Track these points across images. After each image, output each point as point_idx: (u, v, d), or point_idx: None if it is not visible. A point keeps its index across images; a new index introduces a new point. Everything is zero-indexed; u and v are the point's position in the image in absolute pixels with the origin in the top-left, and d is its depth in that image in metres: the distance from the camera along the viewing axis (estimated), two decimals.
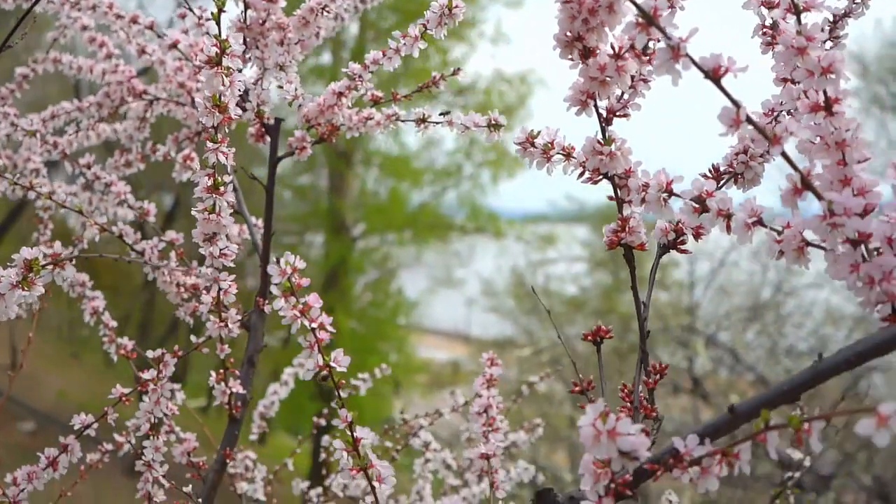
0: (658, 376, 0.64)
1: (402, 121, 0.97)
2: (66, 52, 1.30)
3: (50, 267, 0.66)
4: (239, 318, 0.91)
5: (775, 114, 0.69)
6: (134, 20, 1.09)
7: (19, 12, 1.26)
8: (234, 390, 0.96)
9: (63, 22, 1.25)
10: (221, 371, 0.96)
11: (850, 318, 7.30)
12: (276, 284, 0.61)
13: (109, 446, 1.13)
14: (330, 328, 0.62)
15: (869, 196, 0.53)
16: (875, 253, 0.52)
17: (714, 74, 0.51)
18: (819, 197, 0.51)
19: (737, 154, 0.69)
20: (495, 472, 0.94)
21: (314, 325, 0.62)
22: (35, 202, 1.30)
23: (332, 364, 0.63)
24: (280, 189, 11.82)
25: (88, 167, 1.12)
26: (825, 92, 0.53)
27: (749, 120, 0.50)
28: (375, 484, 0.64)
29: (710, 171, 0.69)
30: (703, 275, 8.29)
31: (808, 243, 0.54)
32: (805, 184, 0.52)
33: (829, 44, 0.73)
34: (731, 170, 0.68)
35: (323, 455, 1.33)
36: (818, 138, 0.55)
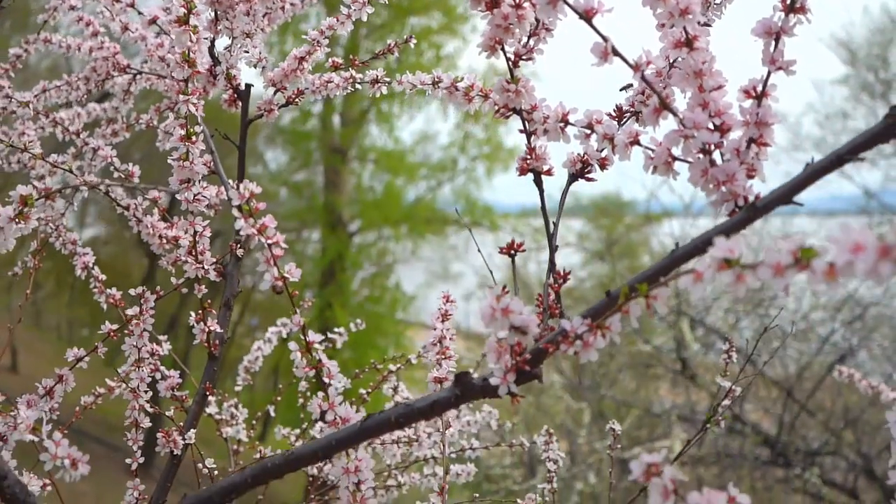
0: (562, 280, 0.74)
1: (359, 83, 1.07)
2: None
3: (42, 200, 0.77)
4: (214, 260, 1.01)
5: (671, 59, 0.79)
6: None
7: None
8: (212, 329, 1.07)
9: (52, 4, 1.35)
10: (200, 311, 1.06)
11: (836, 300, 7.42)
12: (235, 207, 0.71)
13: (102, 390, 1.24)
14: (283, 245, 0.73)
15: (725, 117, 0.64)
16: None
17: (587, 15, 0.61)
18: (674, 114, 0.62)
19: (637, 95, 0.79)
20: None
21: (270, 241, 0.72)
22: (30, 173, 1.41)
23: (287, 275, 0.73)
24: (276, 186, 11.92)
25: (77, 134, 1.22)
26: (685, 30, 0.64)
27: (615, 52, 0.61)
28: (326, 380, 0.75)
29: (614, 109, 0.79)
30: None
31: (675, 158, 0.65)
32: (663, 105, 0.62)
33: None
34: (632, 109, 0.79)
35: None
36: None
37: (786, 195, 0.57)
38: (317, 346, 0.76)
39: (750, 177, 0.62)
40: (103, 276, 1.23)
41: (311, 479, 1.48)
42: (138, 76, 1.31)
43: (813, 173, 0.57)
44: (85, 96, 1.33)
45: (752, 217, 0.58)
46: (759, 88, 0.63)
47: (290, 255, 11.55)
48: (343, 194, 11.27)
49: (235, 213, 0.72)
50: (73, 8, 1.31)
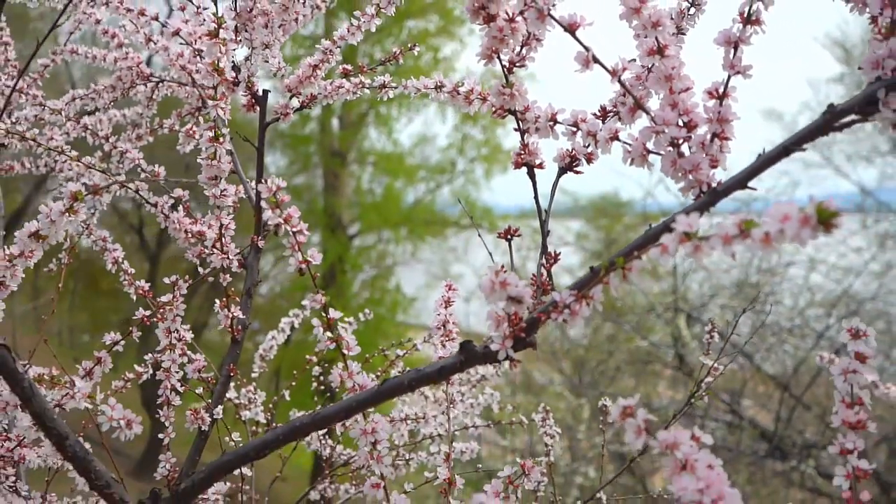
0: (553, 261, 0.84)
1: (368, 87, 1.17)
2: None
3: (90, 196, 0.87)
4: (238, 251, 1.11)
5: (647, 65, 0.89)
6: (142, 13, 1.29)
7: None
8: (235, 315, 1.17)
9: (78, 17, 1.45)
10: (225, 299, 1.16)
11: (832, 296, 7.54)
12: (264, 199, 0.81)
13: (131, 375, 1.33)
14: (306, 232, 0.83)
15: (691, 114, 0.74)
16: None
17: (571, 28, 0.71)
18: (647, 113, 0.72)
19: (618, 97, 0.89)
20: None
21: (295, 229, 0.82)
22: (58, 175, 1.50)
23: (309, 258, 0.83)
24: None
25: (106, 139, 1.32)
26: (657, 40, 0.74)
27: (595, 60, 0.71)
28: (345, 351, 0.85)
29: (598, 109, 0.89)
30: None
31: (649, 150, 0.75)
32: (637, 105, 0.72)
33: (692, 9, 0.93)
34: (614, 109, 0.89)
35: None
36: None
37: (741, 181, 0.67)
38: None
39: (713, 166, 0.72)
40: (132, 270, 1.33)
41: (324, 459, 1.57)
42: (160, 84, 1.41)
43: (764, 162, 0.67)
44: (110, 104, 1.42)
45: (713, 200, 0.68)
46: (721, 90, 0.73)
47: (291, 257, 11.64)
48: (342, 197, 11.37)
49: (264, 204, 0.82)
50: (98, 22, 1.41)
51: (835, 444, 0.71)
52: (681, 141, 0.72)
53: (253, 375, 1.59)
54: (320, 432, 1.61)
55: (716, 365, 1.28)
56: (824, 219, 0.48)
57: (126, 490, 0.83)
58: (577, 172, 0.88)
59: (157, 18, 1.31)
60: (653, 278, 9.82)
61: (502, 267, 0.78)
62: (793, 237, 0.49)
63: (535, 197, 0.85)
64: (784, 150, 0.66)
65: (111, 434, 0.78)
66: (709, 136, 0.72)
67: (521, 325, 0.74)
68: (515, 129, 0.84)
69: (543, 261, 0.83)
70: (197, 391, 1.13)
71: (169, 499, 0.81)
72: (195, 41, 1.21)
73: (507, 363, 1.32)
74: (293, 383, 1.64)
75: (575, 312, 0.71)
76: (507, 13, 0.77)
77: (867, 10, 0.68)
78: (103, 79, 1.50)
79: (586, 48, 0.71)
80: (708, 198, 0.68)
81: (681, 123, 0.73)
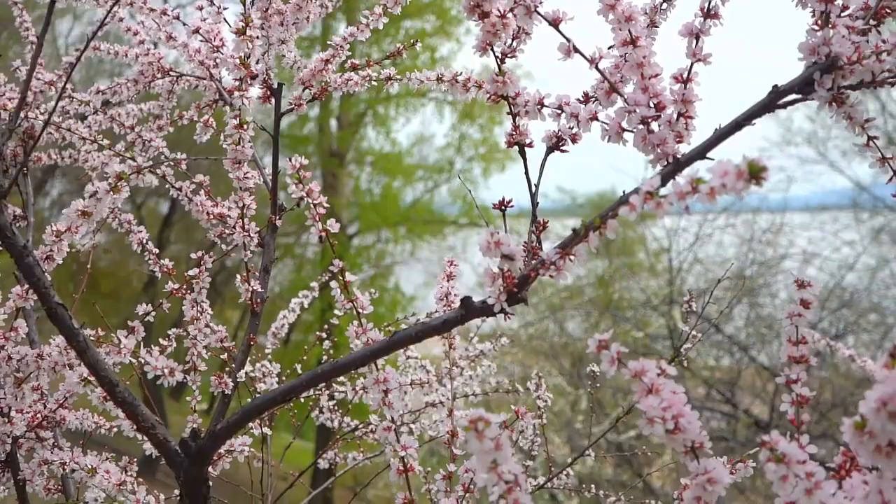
0: (542, 228, 0.95)
1: (374, 80, 1.28)
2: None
3: (134, 175, 0.98)
4: (258, 229, 1.22)
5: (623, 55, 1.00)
6: (164, 12, 1.40)
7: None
8: (254, 289, 1.28)
9: (101, 16, 1.55)
10: (245, 274, 1.27)
11: (826, 289, 7.66)
12: (288, 175, 0.92)
13: (157, 349, 1.44)
14: (325, 205, 0.94)
15: (660, 97, 0.85)
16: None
17: (554, 22, 0.82)
18: (621, 96, 0.83)
19: (598, 83, 1.00)
20: (452, 338, 1.26)
21: (315, 202, 0.93)
22: (84, 164, 1.61)
23: (329, 228, 0.94)
24: None
25: (132, 129, 1.42)
26: (630, 32, 0.85)
27: (575, 49, 0.82)
28: (359, 310, 0.96)
29: (581, 95, 1.00)
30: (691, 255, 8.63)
31: (623, 128, 0.86)
32: (613, 89, 0.83)
33: (665, 4, 1.04)
34: (594, 95, 1.00)
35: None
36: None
37: (700, 153, 0.78)
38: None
39: (679, 141, 0.83)
40: (156, 250, 1.44)
41: (333, 431, 1.68)
42: (180, 78, 1.52)
43: (720, 135, 0.78)
44: (133, 96, 1.53)
45: (676, 169, 0.79)
46: (685, 76, 0.84)
47: (290, 257, 11.78)
48: (341, 197, 11.48)
49: (288, 179, 0.93)
50: (121, 20, 1.52)
51: (781, 375, 0.82)
52: (650, 119, 0.83)
53: (266, 352, 1.70)
54: (330, 403, 1.72)
55: (694, 333, 1.39)
56: (755, 172, 0.59)
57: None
58: (562, 151, 0.99)
59: (178, 17, 1.42)
60: (651, 275, 9.94)
61: (496, 230, 0.89)
62: (731, 189, 0.60)
63: (526, 171, 0.97)
64: (736, 125, 0.77)
65: (155, 382, 0.89)
66: (675, 115, 0.83)
67: (514, 282, 0.85)
68: (508, 113, 0.96)
69: (533, 228, 0.94)
70: (222, 357, 1.24)
71: (206, 438, 0.92)
72: (213, 38, 1.32)
73: (503, 339, 1.44)
74: (304, 357, 1.76)
75: (560, 268, 0.82)
76: (499, 10, 0.88)
77: (809, 4, 0.79)
78: (102, 81, 1.60)
79: (567, 39, 0.82)
80: (672, 167, 0.79)
81: (651, 104, 0.84)
